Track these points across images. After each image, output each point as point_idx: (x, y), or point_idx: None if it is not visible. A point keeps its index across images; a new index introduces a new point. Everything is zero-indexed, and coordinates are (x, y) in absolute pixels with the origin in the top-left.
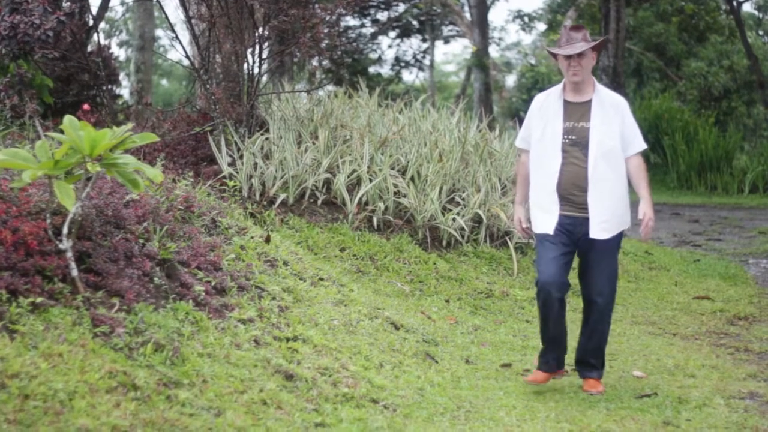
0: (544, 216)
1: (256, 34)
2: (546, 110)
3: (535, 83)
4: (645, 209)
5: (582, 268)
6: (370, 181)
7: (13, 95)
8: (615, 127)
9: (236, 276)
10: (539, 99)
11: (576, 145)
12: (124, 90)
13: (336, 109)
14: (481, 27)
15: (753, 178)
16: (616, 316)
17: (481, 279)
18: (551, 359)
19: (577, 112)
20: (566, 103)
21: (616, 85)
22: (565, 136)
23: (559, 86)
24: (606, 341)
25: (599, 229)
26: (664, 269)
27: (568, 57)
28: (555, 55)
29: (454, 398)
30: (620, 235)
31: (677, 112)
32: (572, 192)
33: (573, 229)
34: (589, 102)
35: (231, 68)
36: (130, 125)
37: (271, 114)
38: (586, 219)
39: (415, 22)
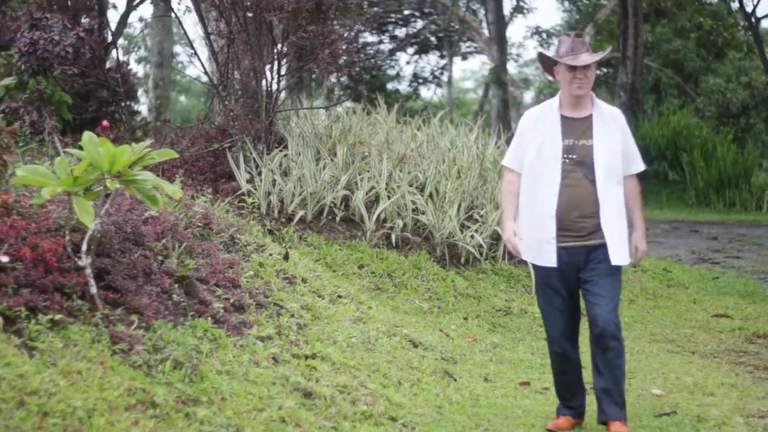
0: (538, 245)
1: (275, 51)
2: (541, 127)
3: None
4: (638, 242)
5: (583, 292)
6: (389, 198)
7: (32, 111)
8: (618, 145)
9: (255, 293)
10: (532, 114)
11: (578, 165)
12: (143, 106)
13: (354, 126)
14: (499, 43)
15: None
16: (635, 334)
17: (499, 296)
18: (576, 405)
19: (576, 128)
20: (564, 119)
21: (634, 101)
22: (565, 156)
23: (554, 100)
24: (623, 375)
25: (617, 255)
26: (682, 287)
27: (573, 68)
28: (551, 65)
29: (472, 416)
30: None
31: (695, 128)
32: (571, 217)
33: (572, 261)
34: (590, 117)
35: (250, 84)
36: (148, 141)
37: (289, 130)
38: (585, 248)
39: (433, 39)
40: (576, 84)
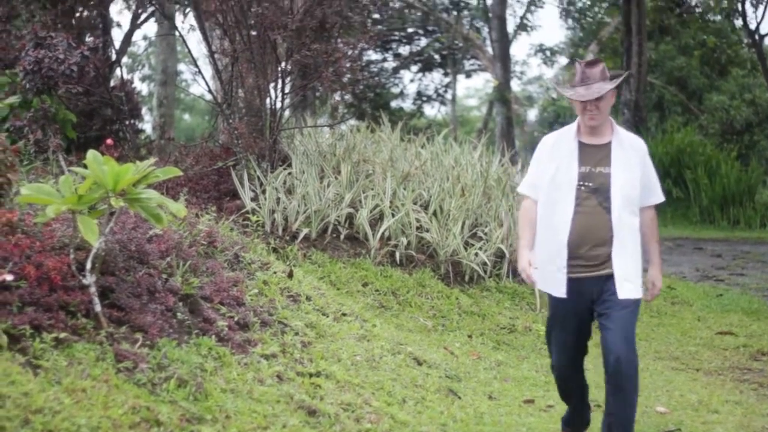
0: (551, 274)
1: (279, 69)
2: (558, 153)
3: (557, 117)
4: (654, 278)
5: (599, 327)
6: (393, 215)
7: (36, 130)
8: (636, 173)
9: (259, 311)
10: (549, 140)
11: (594, 193)
12: (147, 124)
13: (358, 144)
14: (503, 61)
15: None
16: (639, 351)
17: (503, 314)
18: (582, 420)
19: (594, 155)
20: (582, 145)
21: (637, 119)
22: (581, 183)
23: (573, 126)
24: (634, 411)
25: (626, 288)
26: (686, 304)
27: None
28: None
29: None
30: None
31: (699, 145)
32: (583, 247)
33: (584, 291)
34: (608, 145)
35: (254, 103)
36: (152, 160)
37: (293, 148)
38: (598, 278)
39: (437, 57)
40: (587, 116)
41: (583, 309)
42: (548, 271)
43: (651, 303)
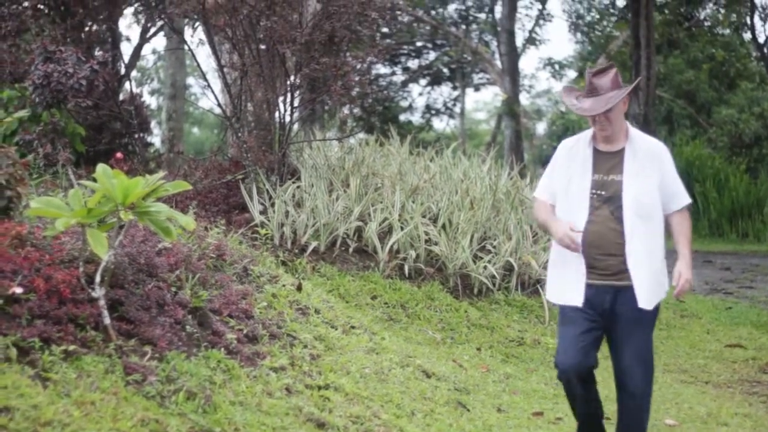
0: (567, 283)
1: (288, 83)
2: (573, 159)
3: (565, 130)
4: (681, 269)
5: (610, 347)
6: (402, 229)
7: (46, 144)
8: (653, 180)
9: (268, 324)
10: (567, 145)
11: (606, 201)
12: (156, 138)
13: (367, 157)
14: (511, 74)
15: None
16: None
17: (512, 327)
18: None
19: (607, 163)
20: (596, 152)
21: (646, 132)
22: (593, 191)
23: (589, 132)
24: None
25: (644, 297)
26: (695, 317)
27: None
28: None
29: None
30: (657, 307)
31: (708, 159)
32: (596, 256)
33: (596, 300)
34: (622, 152)
35: (263, 116)
36: (162, 173)
37: (302, 162)
38: (612, 288)
39: (445, 70)
40: (597, 126)
41: (594, 315)
42: (566, 279)
43: (660, 315)
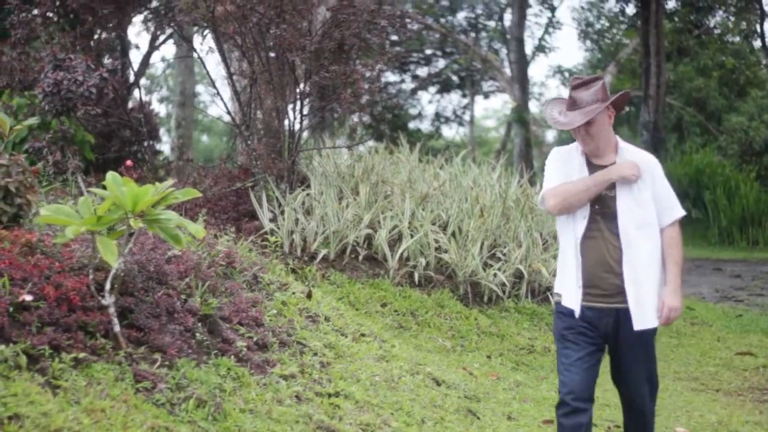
0: (570, 287)
1: (297, 90)
2: (569, 165)
3: (573, 138)
4: (666, 296)
5: (613, 368)
6: (411, 236)
7: (55, 151)
8: (645, 193)
9: (278, 332)
10: (560, 152)
11: (603, 217)
12: (165, 146)
13: (377, 165)
14: (521, 82)
15: None
16: (659, 372)
17: (522, 335)
18: None
19: None
20: (590, 164)
21: (656, 140)
22: (593, 205)
23: (578, 145)
24: None
25: (640, 321)
26: (706, 325)
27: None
28: None
29: None
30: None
31: (718, 166)
32: (598, 274)
33: (597, 323)
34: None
35: (272, 124)
36: (171, 181)
37: (312, 170)
38: (614, 311)
39: (455, 78)
40: (579, 141)
41: (595, 336)
42: (569, 286)
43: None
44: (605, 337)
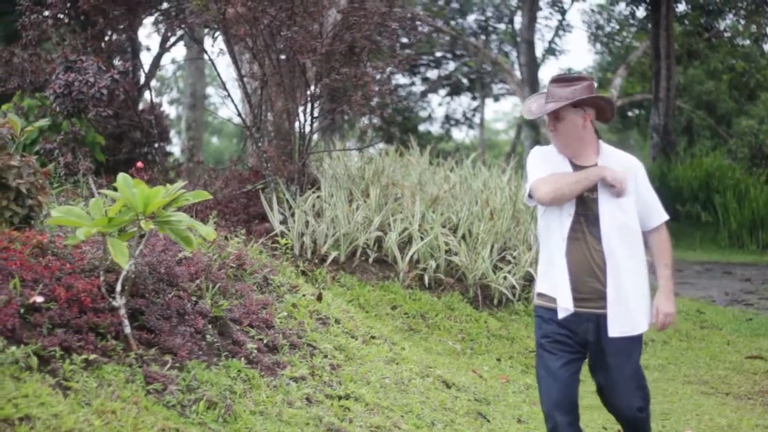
0: (560, 287)
1: (308, 93)
2: (552, 165)
3: None
4: (660, 302)
5: (598, 379)
6: (422, 239)
7: (66, 153)
8: (628, 198)
9: (288, 334)
10: (541, 150)
11: (586, 219)
12: (175, 147)
13: (387, 167)
14: (531, 85)
15: None
16: (668, 375)
17: (532, 337)
18: None
19: None
20: (573, 165)
21: (666, 143)
22: (576, 208)
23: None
24: None
25: (618, 327)
26: (716, 328)
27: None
28: None
29: None
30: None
31: (728, 170)
32: (581, 277)
33: (576, 328)
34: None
35: (283, 126)
36: (182, 183)
37: (322, 172)
38: (594, 315)
39: (465, 80)
40: (549, 133)
41: (574, 343)
42: (560, 287)
43: (680, 327)
44: (585, 345)
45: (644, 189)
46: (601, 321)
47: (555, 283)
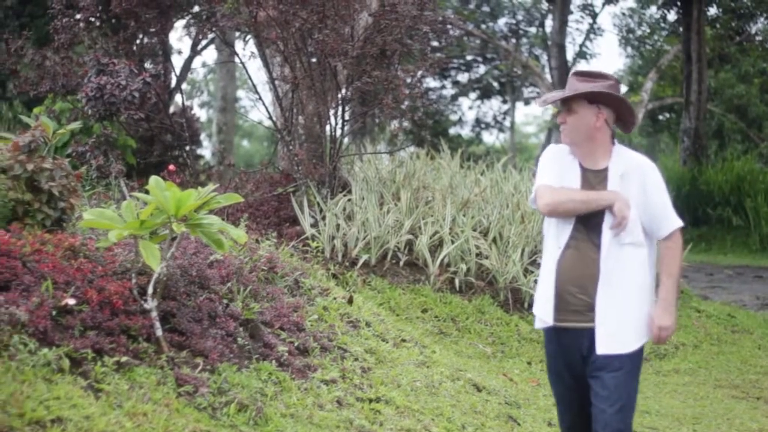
0: (538, 293)
1: (339, 96)
2: (562, 169)
3: None
4: (657, 314)
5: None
6: (452, 242)
7: (98, 155)
8: (635, 201)
9: (319, 337)
10: (554, 150)
11: (586, 226)
12: (206, 150)
13: (418, 171)
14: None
15: None
16: (699, 380)
17: None
18: None
19: (592, 182)
20: (582, 168)
21: (697, 147)
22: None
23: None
24: None
25: (605, 344)
26: (747, 332)
27: (558, 110)
28: None
29: None
30: (641, 351)
31: (759, 173)
32: (569, 289)
33: (572, 345)
34: (605, 171)
35: (314, 129)
36: (214, 185)
37: (353, 175)
38: (587, 331)
39: (495, 84)
40: (561, 127)
41: (576, 362)
42: (543, 299)
43: (711, 331)
44: (583, 357)
45: (654, 193)
46: (592, 334)
47: (539, 294)
